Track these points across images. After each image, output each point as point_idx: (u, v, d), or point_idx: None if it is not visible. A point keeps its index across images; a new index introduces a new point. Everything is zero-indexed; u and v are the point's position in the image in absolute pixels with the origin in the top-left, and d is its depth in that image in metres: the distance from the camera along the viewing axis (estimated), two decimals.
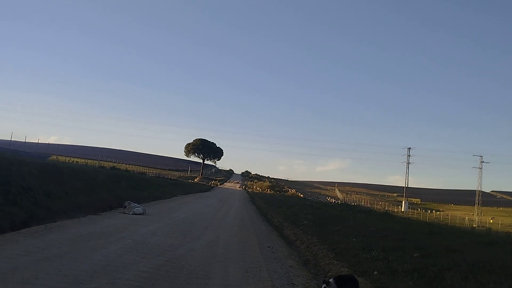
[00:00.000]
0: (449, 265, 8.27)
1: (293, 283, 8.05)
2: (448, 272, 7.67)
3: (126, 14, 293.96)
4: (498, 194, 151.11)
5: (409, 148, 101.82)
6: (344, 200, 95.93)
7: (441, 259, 8.97)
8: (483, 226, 55.08)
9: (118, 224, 13.59)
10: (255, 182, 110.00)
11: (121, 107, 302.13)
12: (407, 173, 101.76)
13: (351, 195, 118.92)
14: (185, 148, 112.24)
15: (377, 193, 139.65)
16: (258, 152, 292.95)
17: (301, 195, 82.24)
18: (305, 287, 7.89)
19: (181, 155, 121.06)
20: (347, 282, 6.79)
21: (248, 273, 8.48)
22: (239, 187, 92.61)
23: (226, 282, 7.57)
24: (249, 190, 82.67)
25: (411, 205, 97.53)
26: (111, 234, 11.27)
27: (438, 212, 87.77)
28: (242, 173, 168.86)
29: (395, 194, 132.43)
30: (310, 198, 77.09)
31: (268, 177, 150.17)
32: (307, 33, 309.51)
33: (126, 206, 17.46)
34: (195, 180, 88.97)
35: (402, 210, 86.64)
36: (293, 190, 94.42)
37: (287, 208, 29.16)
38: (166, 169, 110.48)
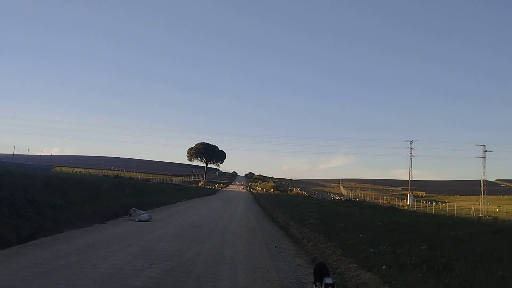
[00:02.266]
0: (457, 256, 8.24)
1: (302, 282, 8.04)
2: (456, 263, 7.64)
3: (128, 19, 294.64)
4: (502, 182, 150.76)
5: (412, 141, 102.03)
6: (349, 196, 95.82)
7: (449, 250, 8.94)
8: (489, 216, 54.92)
9: (124, 231, 13.61)
10: (259, 183, 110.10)
11: (121, 115, 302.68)
12: (411, 166, 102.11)
13: (355, 191, 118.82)
14: (188, 152, 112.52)
15: (382, 187, 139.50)
16: (261, 153, 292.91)
17: (305, 193, 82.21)
18: (315, 285, 7.86)
19: (184, 160, 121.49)
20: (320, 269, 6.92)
21: (257, 274, 8.48)
22: (243, 188, 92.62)
23: (235, 284, 7.57)
24: (254, 191, 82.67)
25: (416, 198, 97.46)
26: (118, 242, 11.29)
27: (443, 204, 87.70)
28: (246, 174, 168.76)
29: (400, 188, 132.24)
30: (314, 196, 76.98)
31: (272, 177, 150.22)
32: (304, 30, 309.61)
33: (131, 214, 17.51)
34: (199, 184, 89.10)
35: (408, 203, 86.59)
36: (297, 189, 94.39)
37: (292, 207, 29.14)
38: (169, 175, 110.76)
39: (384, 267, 8.28)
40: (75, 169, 75.30)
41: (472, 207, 69.70)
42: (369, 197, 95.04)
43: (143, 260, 9.05)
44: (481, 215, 57.45)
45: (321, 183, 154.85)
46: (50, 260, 8.42)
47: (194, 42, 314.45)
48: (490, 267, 7.07)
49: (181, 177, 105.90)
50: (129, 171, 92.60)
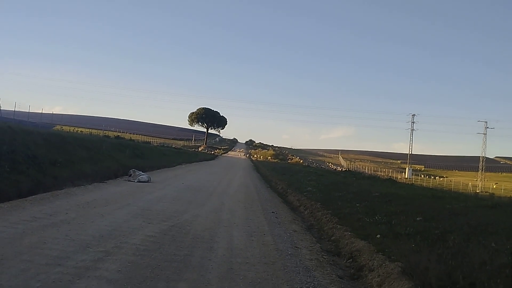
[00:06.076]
0: (451, 228, 8.33)
1: (297, 247, 8.16)
2: (450, 235, 7.73)
3: None
4: (502, 159, 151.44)
5: (414, 115, 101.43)
6: (348, 167, 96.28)
7: (444, 222, 9.04)
8: (486, 192, 55.32)
9: (123, 191, 13.74)
10: (259, 151, 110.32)
11: (125, 77, 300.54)
12: (411, 139, 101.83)
13: (355, 162, 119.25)
14: (189, 117, 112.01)
15: (381, 160, 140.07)
16: (262, 120, 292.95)
17: (301, 161, 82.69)
18: (309, 251, 8.00)
19: (185, 124, 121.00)
20: None
21: (253, 237, 8.60)
22: (243, 155, 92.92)
23: (231, 245, 7.68)
24: (253, 158, 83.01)
25: (414, 171, 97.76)
26: (117, 201, 11.41)
27: (441, 178, 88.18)
28: (246, 142, 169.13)
29: (399, 161, 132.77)
30: (314, 166, 77.37)
31: (272, 145, 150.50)
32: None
33: (131, 174, 17.63)
34: (199, 149, 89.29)
35: (406, 176, 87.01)
36: (297, 158, 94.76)
37: (291, 175, 29.31)
38: (170, 138, 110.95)
39: (378, 236, 8.37)
40: (76, 129, 75.39)
41: (470, 183, 70.22)
42: (368, 169, 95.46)
43: (141, 219, 9.17)
44: (478, 191, 57.89)
45: (321, 153, 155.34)
46: (50, 215, 8.53)
47: (200, 3, 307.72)
48: (484, 239, 7.15)
49: (182, 141, 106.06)
50: (130, 133, 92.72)
